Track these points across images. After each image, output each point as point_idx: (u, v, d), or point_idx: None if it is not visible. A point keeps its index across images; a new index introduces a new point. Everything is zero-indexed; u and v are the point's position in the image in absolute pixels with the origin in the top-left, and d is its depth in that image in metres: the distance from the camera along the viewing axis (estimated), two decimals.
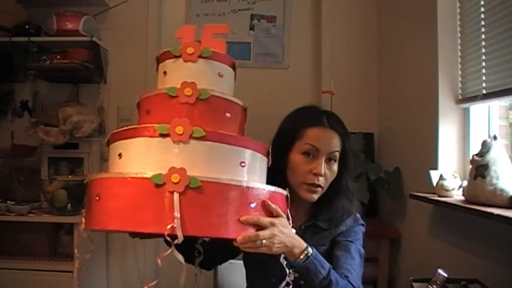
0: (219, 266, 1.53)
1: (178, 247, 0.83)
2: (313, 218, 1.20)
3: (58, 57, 2.28)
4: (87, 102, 2.47)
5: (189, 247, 1.16)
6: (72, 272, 2.04)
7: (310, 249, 0.99)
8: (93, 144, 2.38)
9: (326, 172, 1.14)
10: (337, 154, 1.17)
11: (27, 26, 2.28)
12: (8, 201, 2.13)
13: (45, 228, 2.19)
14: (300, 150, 1.15)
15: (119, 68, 2.56)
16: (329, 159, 1.16)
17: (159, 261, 0.82)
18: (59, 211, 2.12)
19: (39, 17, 2.35)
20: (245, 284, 1.33)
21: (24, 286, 2.04)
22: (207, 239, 1.25)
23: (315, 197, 1.15)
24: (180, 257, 0.85)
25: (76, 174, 2.34)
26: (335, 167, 1.17)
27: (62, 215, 2.11)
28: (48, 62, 2.27)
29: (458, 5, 1.79)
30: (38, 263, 2.12)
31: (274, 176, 1.05)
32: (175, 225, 0.79)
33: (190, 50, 0.99)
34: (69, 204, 2.12)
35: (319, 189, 1.15)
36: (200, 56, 0.99)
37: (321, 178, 1.13)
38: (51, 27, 2.27)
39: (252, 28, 2.66)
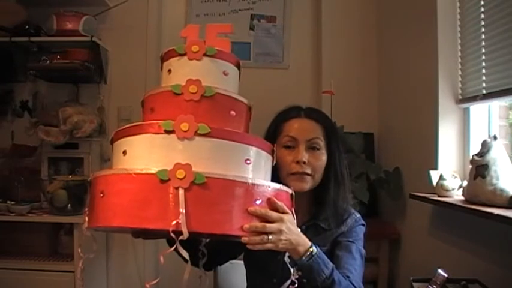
0: (219, 266, 1.53)
1: (182, 247, 0.83)
2: (314, 218, 1.20)
3: (58, 57, 2.27)
4: (87, 102, 2.47)
5: (193, 249, 1.15)
6: (72, 272, 2.05)
7: (314, 248, 0.99)
8: (93, 144, 2.38)
9: (310, 160, 1.15)
10: (319, 142, 1.18)
11: (27, 26, 2.28)
12: (8, 201, 2.13)
13: (45, 228, 2.19)
14: (281, 144, 1.17)
15: (119, 68, 2.56)
16: (312, 148, 1.17)
17: (161, 258, 0.82)
18: (59, 211, 2.12)
19: (39, 17, 2.34)
20: (245, 284, 1.32)
21: (24, 286, 2.05)
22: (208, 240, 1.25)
23: (305, 186, 1.15)
24: (185, 253, 0.84)
25: (76, 174, 2.34)
26: (321, 156, 1.17)
27: (62, 215, 2.12)
28: (48, 62, 2.26)
29: (458, 5, 1.79)
30: (38, 263, 2.12)
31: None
32: (180, 222, 0.79)
33: (195, 48, 0.99)
34: (69, 204, 2.12)
35: (307, 177, 1.15)
36: (205, 54, 0.99)
37: (304, 165, 1.14)
38: (51, 27, 2.27)
39: (252, 28, 2.66)
